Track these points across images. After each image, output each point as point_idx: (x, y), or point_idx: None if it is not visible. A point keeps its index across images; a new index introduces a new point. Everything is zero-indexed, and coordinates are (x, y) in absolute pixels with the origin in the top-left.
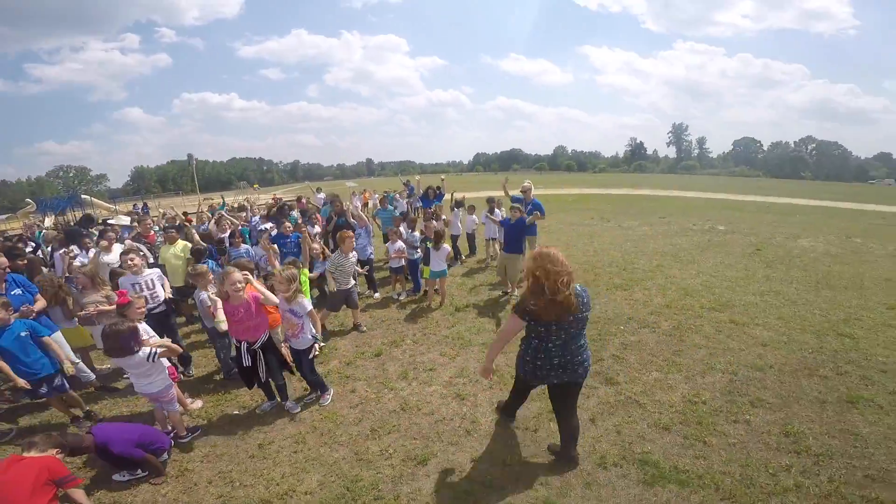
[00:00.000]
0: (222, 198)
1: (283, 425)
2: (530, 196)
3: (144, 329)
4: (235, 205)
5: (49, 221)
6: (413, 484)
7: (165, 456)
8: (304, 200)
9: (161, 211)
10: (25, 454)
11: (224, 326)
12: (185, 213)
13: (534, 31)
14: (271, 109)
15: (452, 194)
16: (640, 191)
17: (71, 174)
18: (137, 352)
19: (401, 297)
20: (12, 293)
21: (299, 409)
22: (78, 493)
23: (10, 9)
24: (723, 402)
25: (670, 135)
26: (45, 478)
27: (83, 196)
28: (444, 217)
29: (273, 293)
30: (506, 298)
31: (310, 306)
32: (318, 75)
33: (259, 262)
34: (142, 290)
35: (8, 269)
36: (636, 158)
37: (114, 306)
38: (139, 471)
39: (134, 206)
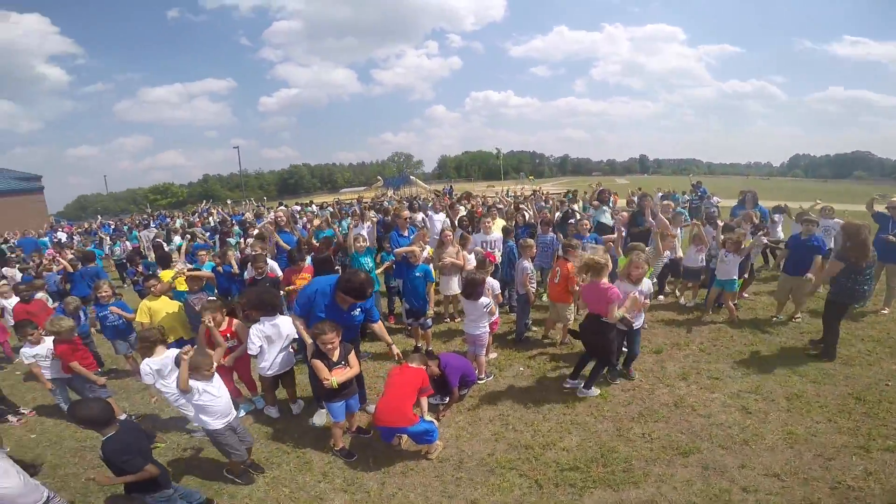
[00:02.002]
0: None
1: (557, 389)
2: None
3: (492, 286)
4: (514, 194)
5: (390, 193)
6: (667, 469)
7: (466, 390)
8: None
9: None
10: (409, 364)
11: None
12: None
13: (886, 7)
14: (542, 105)
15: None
16: None
17: (402, 159)
18: (480, 298)
19: (688, 304)
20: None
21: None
22: (425, 402)
23: (357, 24)
24: None
25: None
26: (419, 385)
27: (411, 177)
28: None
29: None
30: (779, 319)
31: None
32: (584, 70)
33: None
34: (489, 248)
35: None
36: None
37: (460, 260)
38: (447, 399)
39: (443, 188)
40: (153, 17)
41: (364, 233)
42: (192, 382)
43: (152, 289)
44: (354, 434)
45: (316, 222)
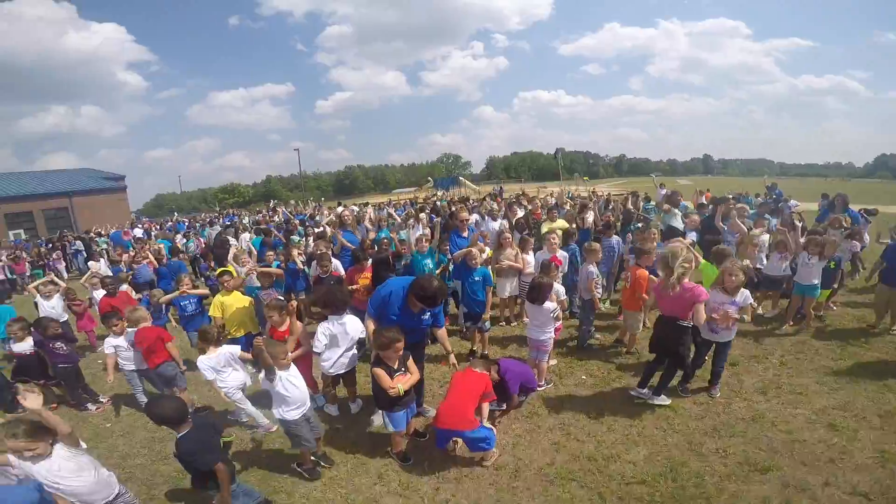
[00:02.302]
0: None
1: (621, 400)
2: None
3: (557, 291)
4: (574, 195)
5: (440, 194)
6: (742, 486)
7: (524, 397)
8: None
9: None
10: (473, 368)
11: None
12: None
13: None
14: (595, 104)
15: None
16: None
17: (450, 160)
18: (546, 303)
19: (767, 314)
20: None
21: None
22: (486, 408)
23: (404, 27)
24: None
25: None
26: (482, 390)
27: (460, 178)
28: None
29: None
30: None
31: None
32: (640, 67)
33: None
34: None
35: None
36: None
37: (519, 264)
38: (504, 405)
39: (492, 188)
40: (216, 24)
41: (421, 233)
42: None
43: (225, 284)
44: (411, 437)
45: (368, 225)
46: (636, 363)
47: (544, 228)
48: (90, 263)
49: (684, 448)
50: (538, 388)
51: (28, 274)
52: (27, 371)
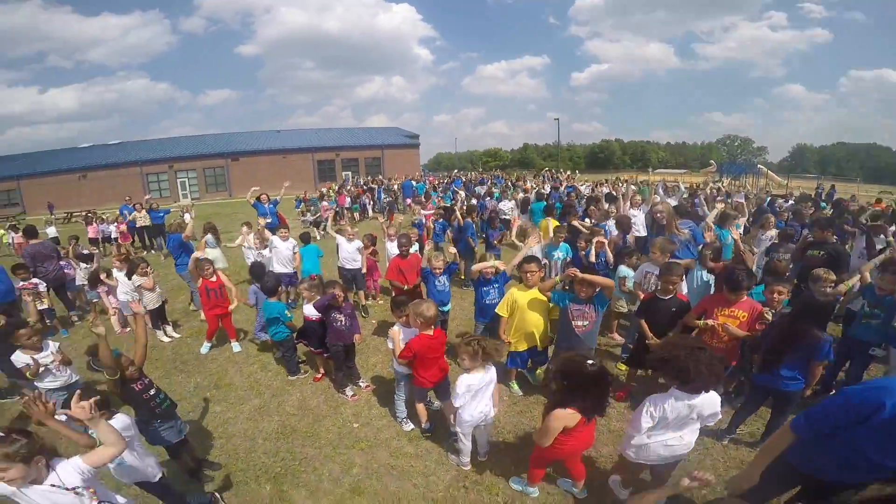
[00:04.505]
0: None
1: None
2: None
3: None
4: None
5: (726, 182)
6: None
7: None
8: None
9: None
10: None
11: None
12: None
13: None
14: None
15: None
16: None
17: (736, 143)
18: None
19: None
20: None
21: None
22: None
23: None
24: None
25: None
26: None
27: (760, 166)
28: None
29: None
30: None
31: None
32: None
33: None
34: None
35: None
36: None
37: None
38: None
39: (817, 186)
40: (478, 1)
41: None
42: None
43: (529, 274)
44: None
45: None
46: None
47: None
48: (409, 203)
49: None
50: None
51: (347, 206)
52: (308, 336)
